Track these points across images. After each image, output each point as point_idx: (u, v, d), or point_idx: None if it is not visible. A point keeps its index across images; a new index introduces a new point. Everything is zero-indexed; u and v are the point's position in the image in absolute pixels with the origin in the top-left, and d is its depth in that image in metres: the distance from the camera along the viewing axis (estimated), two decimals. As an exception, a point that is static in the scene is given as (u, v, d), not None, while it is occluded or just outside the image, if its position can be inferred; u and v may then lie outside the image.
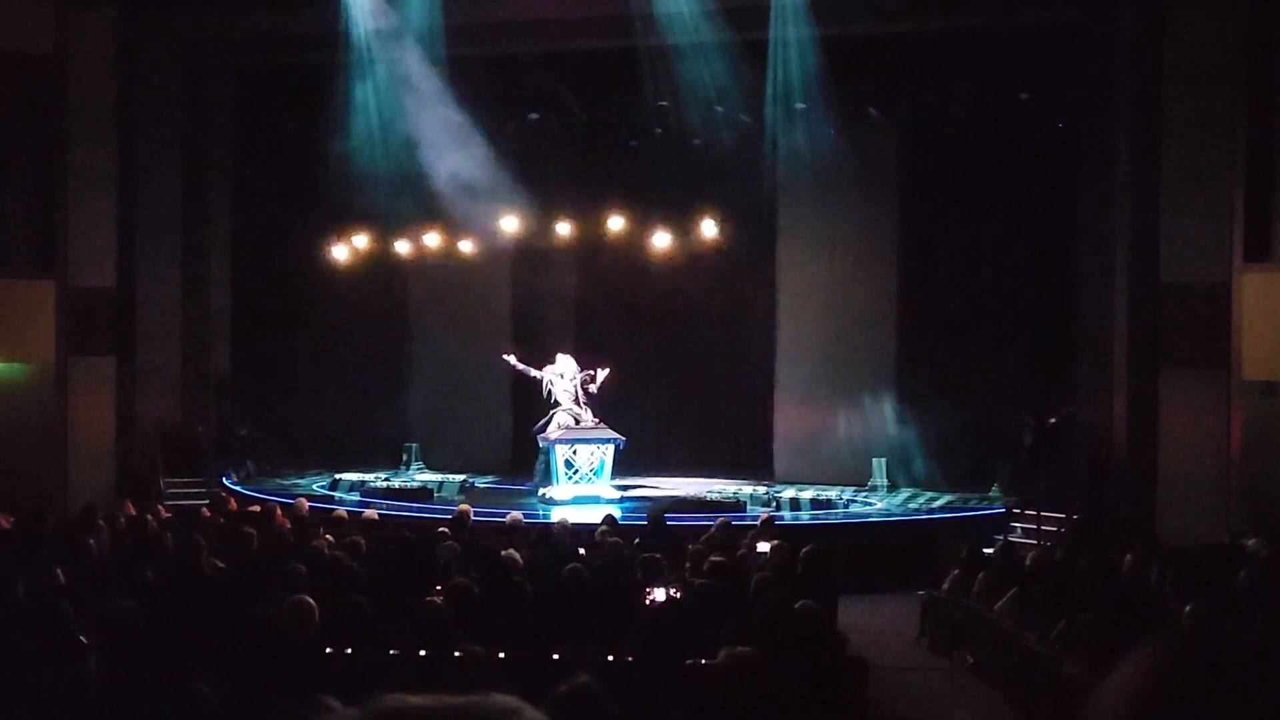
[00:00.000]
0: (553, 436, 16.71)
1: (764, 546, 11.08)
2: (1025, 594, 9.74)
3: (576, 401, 16.95)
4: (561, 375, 17.06)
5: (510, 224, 18.68)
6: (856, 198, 18.33)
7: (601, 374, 17.06)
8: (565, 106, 18.70)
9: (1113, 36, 16.01)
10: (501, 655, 6.65)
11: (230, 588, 8.40)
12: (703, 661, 6.14)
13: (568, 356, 17.24)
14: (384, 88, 17.86)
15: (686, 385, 20.07)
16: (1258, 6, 14.43)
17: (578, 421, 16.90)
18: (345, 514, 13.07)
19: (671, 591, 8.38)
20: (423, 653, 6.66)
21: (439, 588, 8.40)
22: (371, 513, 13.73)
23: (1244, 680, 1.42)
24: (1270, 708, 1.41)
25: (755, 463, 19.21)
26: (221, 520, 12.58)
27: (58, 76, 16.92)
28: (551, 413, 17.05)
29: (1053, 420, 16.03)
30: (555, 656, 6.94)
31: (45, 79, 16.93)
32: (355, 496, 16.83)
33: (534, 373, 17.17)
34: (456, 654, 6.01)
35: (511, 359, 17.31)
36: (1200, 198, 14.45)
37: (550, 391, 17.03)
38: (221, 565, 9.26)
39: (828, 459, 18.57)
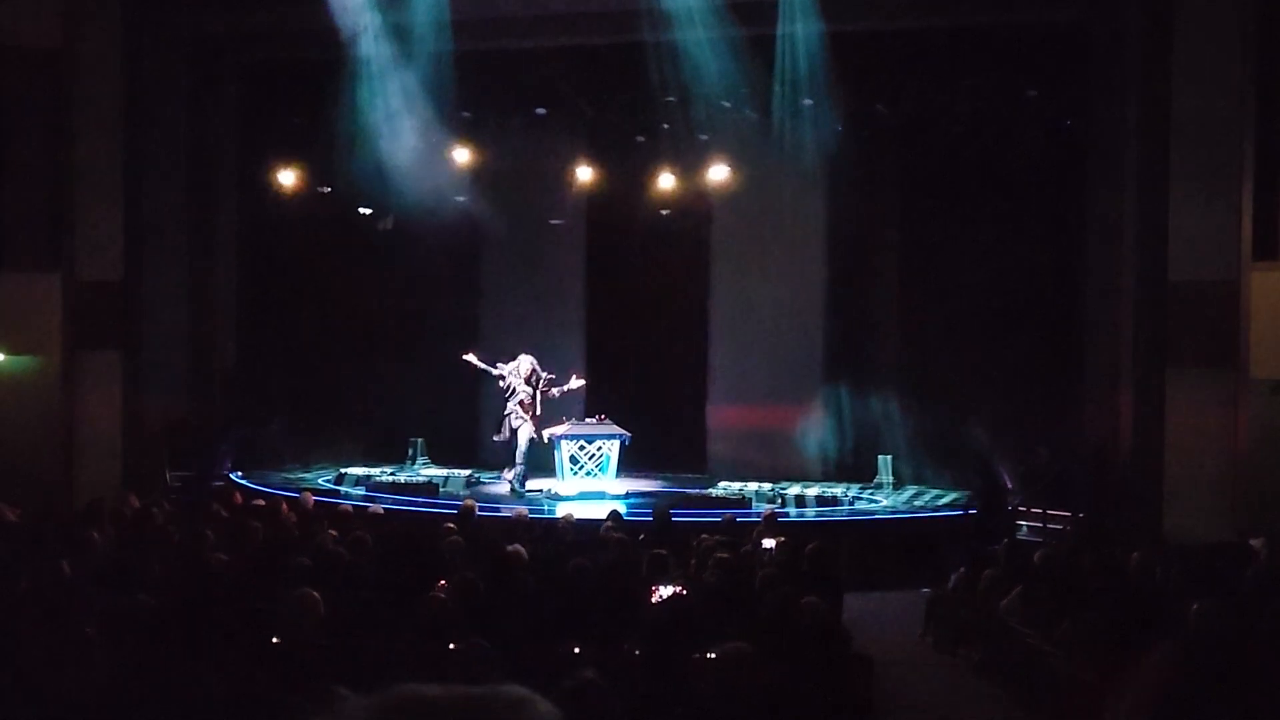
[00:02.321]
0: (559, 432, 16.66)
1: (769, 543, 11.09)
2: (1031, 592, 9.72)
3: (533, 404, 16.62)
4: (526, 379, 16.64)
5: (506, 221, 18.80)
6: (858, 195, 18.32)
7: (576, 383, 16.86)
8: (572, 102, 18.68)
9: (1120, 34, 15.97)
10: (506, 650, 6.65)
11: (235, 582, 8.40)
12: (705, 658, 6.13)
13: (529, 357, 16.85)
14: (386, 83, 17.85)
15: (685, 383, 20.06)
16: (1266, 3, 14.38)
17: (530, 426, 16.63)
18: (350, 508, 13.09)
19: (677, 588, 8.37)
20: (427, 647, 6.66)
21: (443, 582, 8.41)
22: (377, 507, 13.74)
23: (1252, 678, 1.42)
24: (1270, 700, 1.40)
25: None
26: (226, 514, 12.59)
27: (65, 71, 16.93)
28: (505, 417, 16.75)
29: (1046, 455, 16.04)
30: (560, 651, 6.94)
31: (52, 74, 16.93)
32: (361, 491, 16.84)
33: (494, 370, 16.77)
34: (461, 648, 6.01)
35: (472, 358, 16.80)
36: (1208, 195, 14.39)
37: (511, 388, 16.65)
38: (226, 559, 9.26)
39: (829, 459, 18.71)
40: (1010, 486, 15.41)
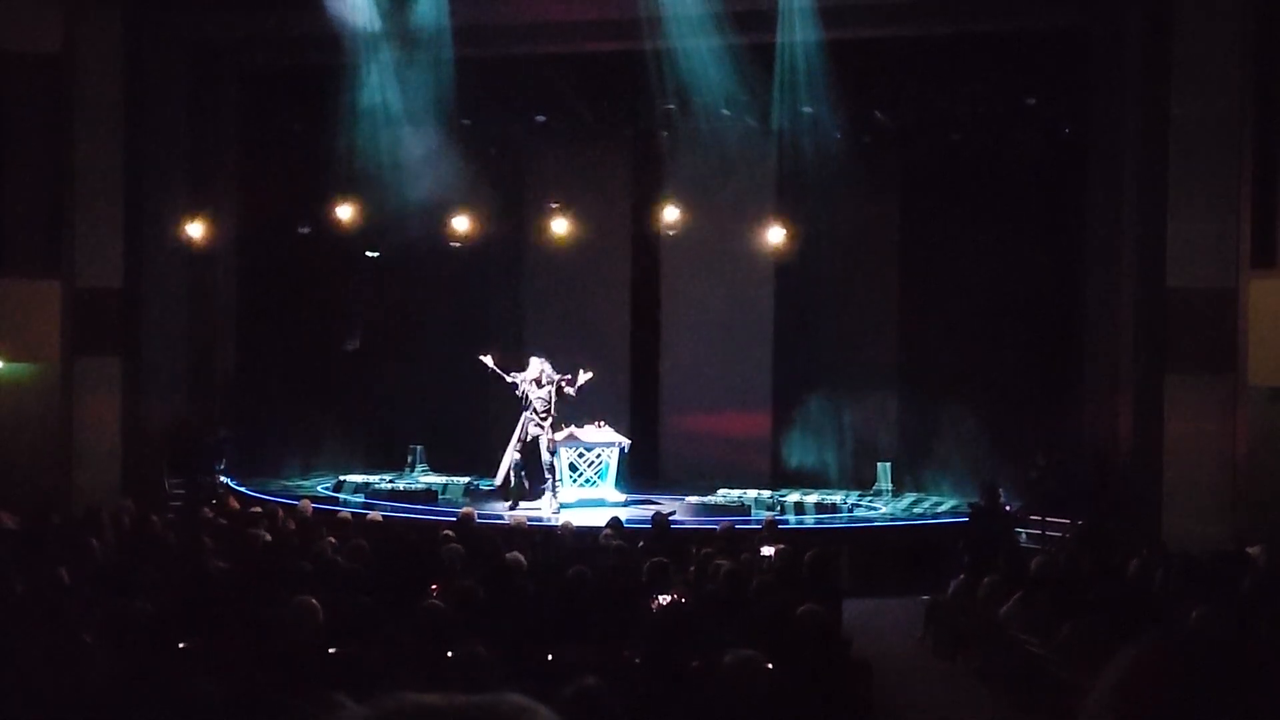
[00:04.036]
0: (558, 439, 16.47)
1: (768, 550, 11.09)
2: (1030, 598, 9.72)
3: (548, 410, 16.09)
4: (535, 381, 16.15)
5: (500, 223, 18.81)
6: (859, 201, 18.32)
7: (583, 376, 16.13)
8: (571, 109, 18.69)
9: (1119, 40, 15.99)
10: (506, 657, 6.65)
11: (234, 588, 8.40)
12: (706, 665, 6.13)
13: (540, 360, 16.41)
14: (387, 87, 17.87)
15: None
16: (1265, 10, 14.40)
17: (535, 439, 16.13)
18: (349, 515, 13.07)
19: (676, 596, 8.38)
20: (427, 654, 6.66)
21: (439, 588, 8.41)
22: (376, 514, 13.72)
23: (1241, 676, 1.42)
24: (1267, 704, 1.40)
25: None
26: (223, 521, 12.59)
27: (65, 76, 16.94)
28: (523, 428, 16.21)
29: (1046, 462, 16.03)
30: (559, 658, 6.94)
31: (52, 78, 16.94)
32: (360, 498, 16.81)
33: (508, 378, 16.24)
34: (461, 655, 6.00)
35: (488, 360, 16.31)
36: (1207, 202, 14.41)
37: (525, 397, 16.16)
38: (224, 566, 9.25)
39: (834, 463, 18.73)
40: (1010, 510, 15.32)
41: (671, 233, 18.60)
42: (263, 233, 19.63)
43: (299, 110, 19.14)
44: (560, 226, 19.03)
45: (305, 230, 19.26)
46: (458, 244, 19.28)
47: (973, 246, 17.59)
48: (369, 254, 19.74)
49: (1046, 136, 17.54)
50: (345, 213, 18.85)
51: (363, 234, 19.28)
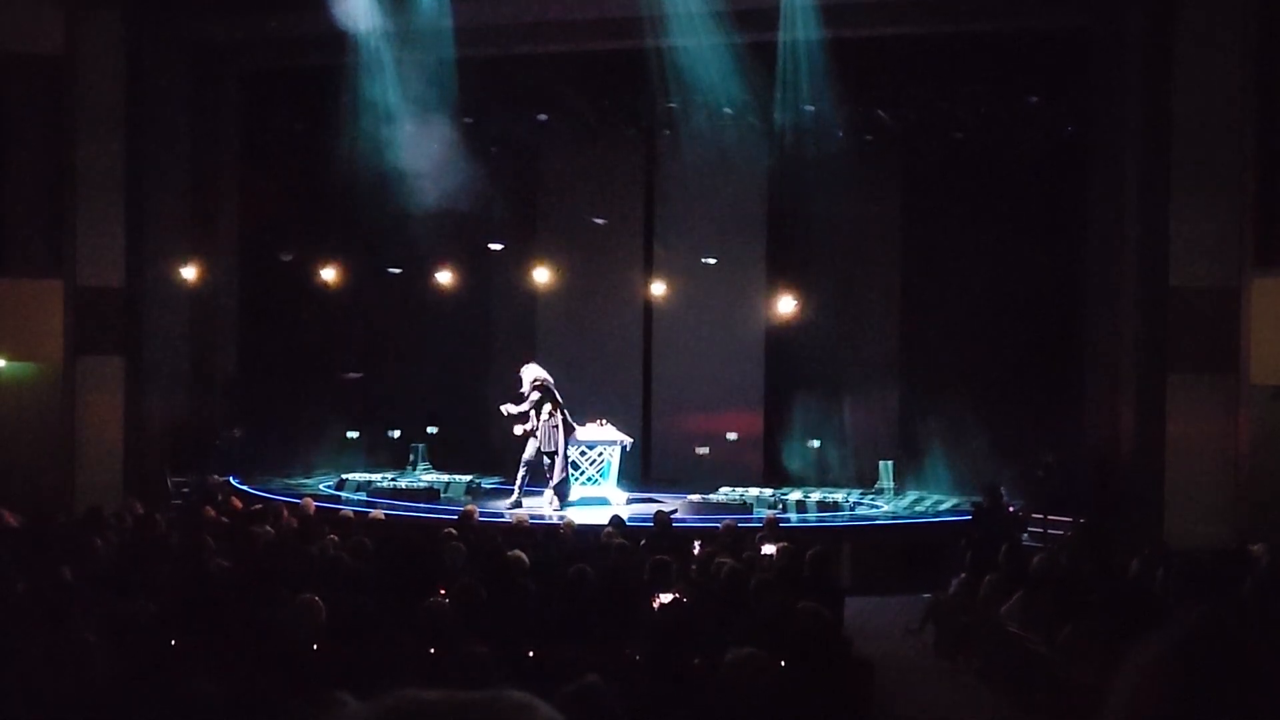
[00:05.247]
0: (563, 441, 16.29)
1: (769, 549, 11.08)
2: (1031, 597, 9.72)
3: (557, 409, 15.93)
4: (533, 384, 15.94)
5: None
6: (860, 200, 18.32)
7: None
8: (573, 108, 18.69)
9: (1121, 40, 15.99)
10: (508, 655, 6.65)
11: (236, 587, 8.40)
12: (708, 663, 6.14)
13: (531, 366, 16.30)
14: (388, 87, 17.89)
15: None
16: (1268, 9, 14.40)
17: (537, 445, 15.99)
18: (352, 514, 13.08)
19: (677, 594, 8.38)
20: (429, 651, 6.67)
21: (442, 590, 8.41)
22: (378, 513, 13.73)
23: (1249, 676, 1.42)
24: (1269, 704, 1.41)
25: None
26: (226, 520, 12.60)
27: (67, 77, 16.95)
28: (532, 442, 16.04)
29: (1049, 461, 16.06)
30: (560, 657, 6.94)
31: (54, 80, 16.96)
32: (362, 496, 16.82)
33: (524, 409, 15.95)
34: (462, 653, 6.01)
35: (506, 409, 15.97)
36: (1210, 202, 14.40)
37: (534, 404, 15.91)
38: (227, 565, 9.26)
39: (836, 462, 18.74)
40: (1012, 509, 15.29)
41: (668, 242, 18.64)
42: (263, 232, 19.65)
43: (299, 110, 19.15)
44: (562, 227, 19.05)
45: (288, 258, 19.24)
46: (500, 246, 19.27)
47: (974, 245, 17.58)
48: (390, 270, 19.72)
49: (1048, 136, 17.52)
50: (346, 215, 18.88)
51: (363, 238, 19.28)
